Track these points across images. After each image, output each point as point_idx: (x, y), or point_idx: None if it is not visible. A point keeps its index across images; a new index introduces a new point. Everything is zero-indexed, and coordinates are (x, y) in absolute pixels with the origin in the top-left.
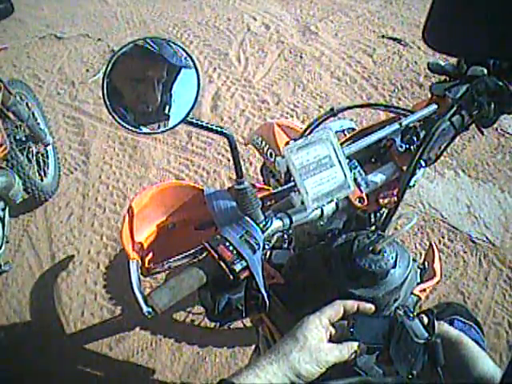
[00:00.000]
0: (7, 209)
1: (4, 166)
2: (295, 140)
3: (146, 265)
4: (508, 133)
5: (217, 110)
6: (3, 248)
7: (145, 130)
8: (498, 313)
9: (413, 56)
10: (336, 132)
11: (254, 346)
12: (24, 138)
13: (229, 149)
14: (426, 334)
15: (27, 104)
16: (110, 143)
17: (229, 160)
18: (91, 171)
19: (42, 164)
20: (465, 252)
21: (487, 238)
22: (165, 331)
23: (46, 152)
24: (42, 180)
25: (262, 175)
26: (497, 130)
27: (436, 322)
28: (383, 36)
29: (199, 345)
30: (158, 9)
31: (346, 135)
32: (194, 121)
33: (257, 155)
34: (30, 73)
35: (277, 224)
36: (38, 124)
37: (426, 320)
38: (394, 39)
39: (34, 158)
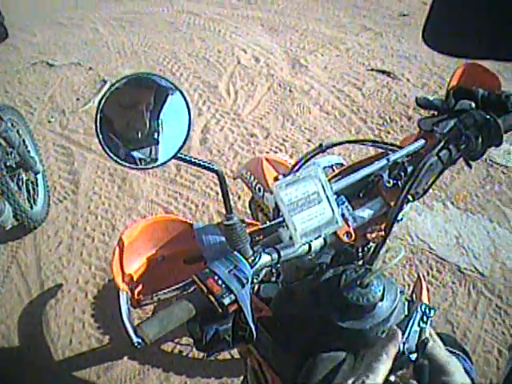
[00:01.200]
0: None
1: None
2: (284, 175)
3: (136, 296)
4: (497, 163)
5: (206, 143)
6: None
7: (136, 165)
8: (488, 341)
9: (402, 89)
10: (324, 167)
11: (242, 377)
12: (14, 165)
13: (218, 184)
14: (415, 354)
15: (18, 131)
16: (99, 173)
17: (217, 193)
18: (80, 201)
19: (31, 192)
20: (453, 283)
21: (476, 268)
22: (153, 361)
23: (36, 180)
24: (31, 208)
25: (250, 209)
26: (486, 160)
27: (431, 342)
28: (372, 69)
29: (187, 375)
30: (149, 39)
31: (334, 170)
32: (184, 156)
33: (245, 189)
34: (22, 99)
35: (265, 259)
36: (29, 151)
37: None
38: (384, 72)
39: (24, 185)
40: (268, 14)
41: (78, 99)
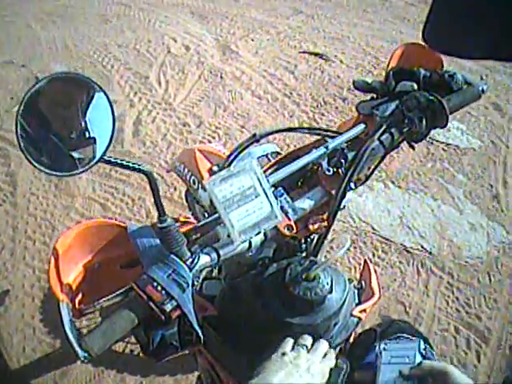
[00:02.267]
0: None
1: None
2: (218, 166)
3: (77, 306)
4: (437, 140)
5: (139, 135)
6: None
7: (60, 172)
8: (443, 319)
9: (335, 70)
10: (259, 157)
11: (197, 374)
12: None
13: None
14: None
15: None
16: (36, 173)
17: None
18: (19, 203)
19: None
20: (401, 262)
21: (423, 246)
22: (107, 363)
23: None
24: None
25: (186, 201)
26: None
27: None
28: (304, 52)
29: (142, 374)
30: (81, 32)
31: (270, 160)
32: (110, 159)
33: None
34: None
35: (204, 259)
36: None
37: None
38: (316, 54)
39: None
40: (198, 1)
41: (11, 98)
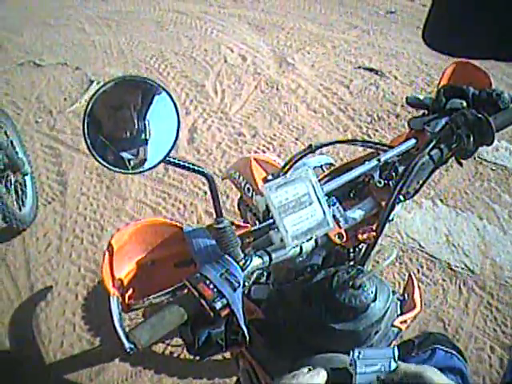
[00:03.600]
0: None
1: None
2: (273, 175)
3: (127, 301)
4: (485, 160)
5: (193, 143)
6: None
7: (124, 169)
8: (480, 338)
9: (389, 86)
10: (314, 168)
11: (233, 378)
12: (2, 167)
13: (206, 183)
14: None
15: (5, 132)
16: (87, 174)
17: (205, 193)
18: (69, 202)
19: (20, 193)
20: (444, 280)
21: (466, 265)
22: (144, 363)
23: (24, 181)
24: (20, 209)
25: (239, 209)
26: (474, 158)
27: (400, 364)
28: (360, 67)
29: (179, 376)
30: (136, 38)
31: (324, 171)
32: (173, 160)
33: (234, 188)
34: (9, 100)
35: (256, 262)
36: (17, 153)
37: None
38: (371, 70)
39: (12, 186)
40: (254, 12)
41: (65, 99)
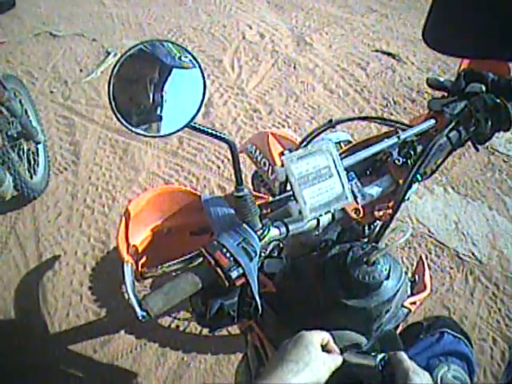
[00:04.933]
0: None
1: None
2: (290, 150)
3: (140, 268)
4: (498, 151)
5: (209, 117)
6: None
7: (148, 132)
8: (483, 329)
9: (406, 71)
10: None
11: (238, 355)
12: (16, 135)
13: (219, 157)
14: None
15: (20, 101)
16: (100, 145)
17: (218, 167)
18: (81, 172)
19: (32, 162)
20: (451, 268)
21: (474, 254)
22: (150, 336)
23: (37, 150)
24: (31, 178)
25: (252, 184)
26: (487, 148)
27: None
28: (377, 50)
29: (184, 350)
30: (154, 12)
31: (342, 147)
32: (197, 126)
33: (247, 164)
34: (24, 69)
35: (274, 232)
36: (31, 121)
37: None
38: (388, 54)
39: (25, 155)
40: None
41: (80, 70)
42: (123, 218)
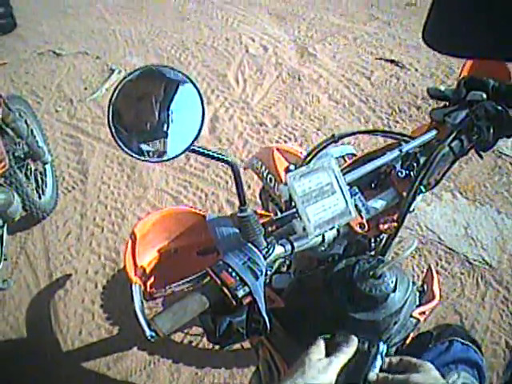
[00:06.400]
0: (5, 226)
1: (2, 183)
2: (295, 165)
3: (149, 289)
4: (505, 154)
5: (215, 132)
6: (1, 265)
7: (149, 157)
8: (496, 332)
9: (410, 78)
10: (336, 158)
11: (252, 368)
12: (23, 156)
13: (227, 173)
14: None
15: (26, 121)
16: (108, 163)
17: (227, 182)
18: (89, 190)
19: (40, 182)
20: (462, 273)
21: (484, 259)
22: (163, 352)
23: (45, 170)
24: (40, 198)
25: (260, 199)
26: (494, 151)
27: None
28: (381, 58)
29: (197, 365)
30: (157, 28)
31: (346, 161)
32: (197, 149)
33: (255, 179)
34: (28, 89)
35: (279, 250)
36: (37, 142)
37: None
38: (392, 61)
39: (33, 175)
40: (275, 2)
41: (85, 88)
42: (130, 241)
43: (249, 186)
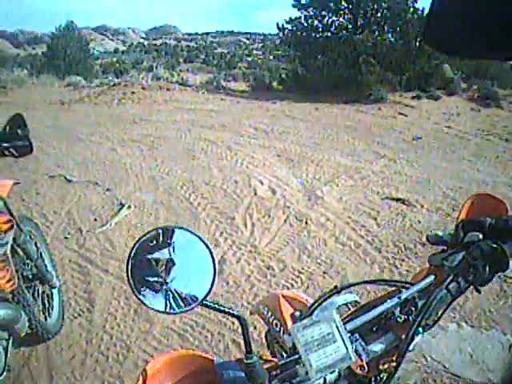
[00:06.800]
0: (11, 339)
1: (11, 300)
2: (301, 312)
3: None
4: (510, 277)
5: (222, 275)
6: (4, 375)
7: (163, 310)
8: None
9: (416, 215)
10: (340, 305)
11: None
12: (31, 276)
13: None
14: None
15: (36, 243)
16: (115, 296)
17: (233, 323)
18: (95, 320)
19: (47, 304)
20: None
21: (490, 380)
22: None
23: (52, 294)
24: (46, 319)
25: (266, 340)
26: (499, 276)
27: None
28: (387, 197)
29: None
30: (167, 166)
31: (349, 309)
32: (208, 303)
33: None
34: (39, 210)
35: None
36: (46, 265)
37: None
38: (398, 199)
39: (40, 297)
40: (284, 143)
41: (95, 219)
42: (141, 377)
43: (255, 327)
